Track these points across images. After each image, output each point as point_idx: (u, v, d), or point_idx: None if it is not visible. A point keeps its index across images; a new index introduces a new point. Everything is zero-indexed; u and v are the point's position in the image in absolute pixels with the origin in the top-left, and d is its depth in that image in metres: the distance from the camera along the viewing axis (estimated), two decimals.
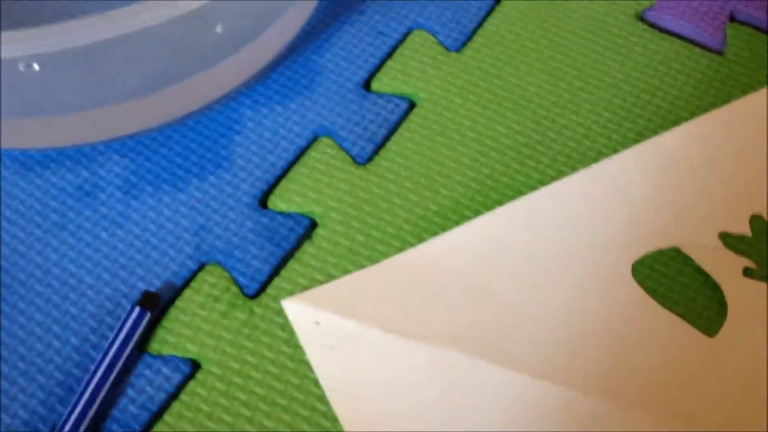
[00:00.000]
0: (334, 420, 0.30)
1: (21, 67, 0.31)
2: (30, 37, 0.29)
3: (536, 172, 0.35)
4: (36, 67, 0.31)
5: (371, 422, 0.30)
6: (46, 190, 0.35)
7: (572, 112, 0.37)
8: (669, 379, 0.30)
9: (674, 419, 0.29)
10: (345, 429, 0.30)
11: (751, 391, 0.29)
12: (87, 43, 0.30)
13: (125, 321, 0.31)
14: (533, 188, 0.35)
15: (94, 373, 0.30)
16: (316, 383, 0.31)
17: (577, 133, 0.36)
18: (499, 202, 0.34)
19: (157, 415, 0.30)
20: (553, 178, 0.35)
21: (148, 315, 0.31)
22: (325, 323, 0.31)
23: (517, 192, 0.35)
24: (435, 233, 0.34)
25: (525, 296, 0.32)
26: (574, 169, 0.35)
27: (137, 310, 0.31)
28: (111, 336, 0.31)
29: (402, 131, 0.36)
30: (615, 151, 0.36)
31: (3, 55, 0.29)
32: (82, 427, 0.29)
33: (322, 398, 0.30)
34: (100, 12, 0.29)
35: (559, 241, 0.33)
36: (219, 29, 0.33)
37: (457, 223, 0.34)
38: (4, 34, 0.29)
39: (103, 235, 0.34)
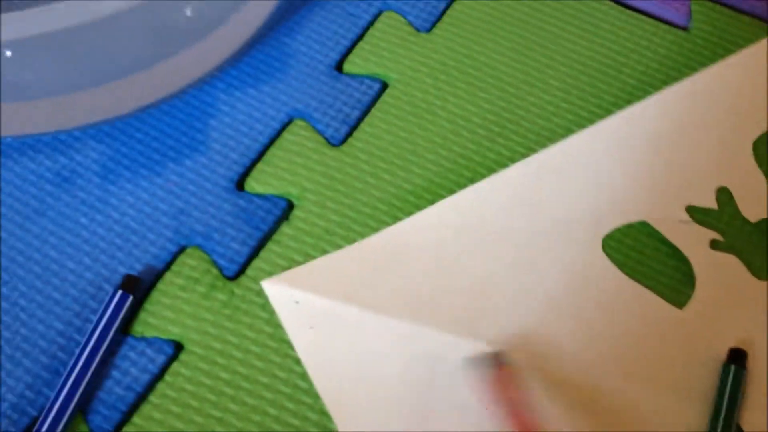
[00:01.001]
0: (316, 397, 0.31)
1: (8, 53, 0.31)
2: (2, 23, 0.29)
3: (507, 150, 0.36)
4: (8, 53, 0.31)
5: (352, 398, 0.31)
6: (24, 177, 0.35)
7: (540, 90, 0.38)
8: (638, 348, 0.31)
9: (641, 387, 0.30)
10: (327, 405, 0.31)
11: (718, 361, 0.31)
12: (59, 29, 0.30)
13: (108, 304, 0.32)
14: (504, 166, 0.36)
15: (79, 356, 0.31)
16: (298, 361, 0.31)
17: (546, 111, 0.37)
18: (472, 180, 0.35)
19: (142, 396, 0.31)
20: (524, 156, 0.36)
21: (130, 298, 0.32)
22: (304, 303, 0.32)
23: (489, 170, 0.36)
24: (409, 212, 0.35)
25: (498, 272, 0.33)
26: (543, 146, 0.36)
27: (119, 293, 0.32)
28: (94, 320, 0.32)
29: (375, 112, 0.37)
30: (583, 127, 0.36)
31: None
32: (69, 410, 0.30)
33: (304, 376, 0.31)
34: None
35: (530, 217, 0.34)
36: (188, 12, 0.34)
37: (430, 201, 0.35)
38: None
39: (83, 220, 0.34)
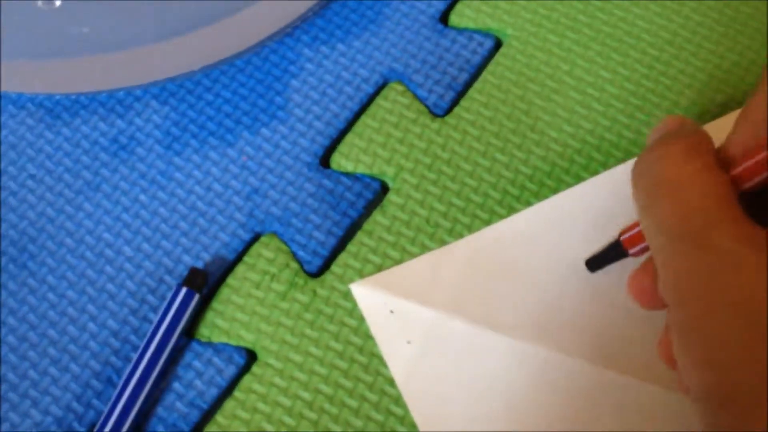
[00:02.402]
0: (412, 426, 0.26)
1: (39, 3, 0.26)
2: None
3: (647, 128, 0.30)
4: (57, 3, 0.26)
5: (454, 429, 0.26)
6: (76, 143, 0.30)
7: (690, 53, 0.31)
8: None
9: None
10: None
11: None
12: None
13: (170, 304, 0.27)
14: (644, 148, 0.29)
15: (137, 364, 0.26)
16: (392, 382, 0.26)
17: (696, 80, 0.31)
18: (604, 165, 0.29)
19: (208, 414, 0.27)
20: None
21: (197, 296, 0.27)
22: (401, 312, 0.27)
23: (626, 153, 0.29)
24: (528, 202, 0.29)
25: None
26: None
27: (184, 290, 0.27)
28: (155, 320, 0.27)
29: (486, 76, 0.31)
30: (742, 104, 0.30)
31: None
32: (125, 428, 0.26)
33: (399, 400, 0.26)
34: None
35: None
36: None
37: (554, 190, 0.29)
38: None
39: (143, 197, 0.29)
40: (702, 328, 0.20)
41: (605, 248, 0.26)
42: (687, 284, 0.20)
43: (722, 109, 0.30)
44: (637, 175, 0.22)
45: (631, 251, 0.25)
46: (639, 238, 0.24)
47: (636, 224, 0.24)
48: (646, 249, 0.24)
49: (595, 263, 0.27)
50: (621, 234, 0.25)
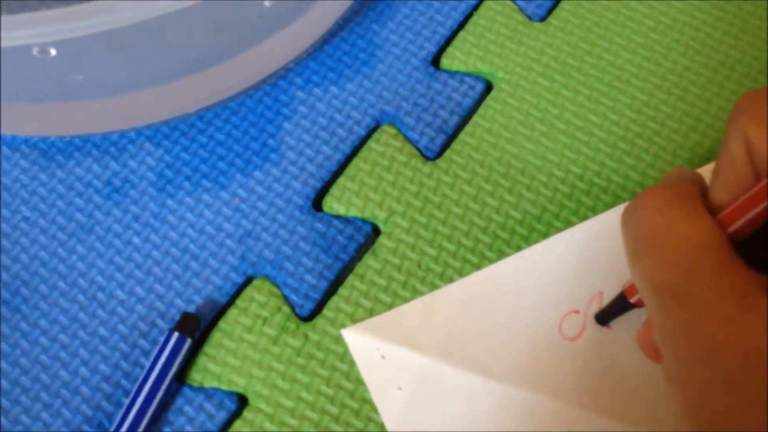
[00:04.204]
0: None
1: (35, 52, 0.26)
2: (41, 22, 0.24)
3: (635, 173, 0.30)
4: (53, 52, 0.26)
5: None
6: (70, 185, 0.30)
7: (678, 98, 0.31)
8: None
9: None
10: None
11: None
12: (110, 28, 0.25)
13: (162, 349, 0.27)
14: (632, 193, 0.30)
15: (128, 410, 0.26)
16: (382, 428, 0.26)
17: (684, 125, 0.31)
18: (593, 209, 0.30)
19: None
20: (656, 180, 0.30)
21: (188, 342, 0.27)
22: (392, 358, 0.27)
23: (614, 197, 0.30)
24: (518, 247, 0.29)
25: (621, 327, 0.27)
26: None
27: (175, 336, 0.27)
28: (146, 365, 0.27)
29: (477, 119, 0.31)
30: None
31: (8, 43, 0.25)
32: None
33: None
34: None
35: None
36: (267, 3, 0.28)
37: (544, 234, 0.29)
38: (13, 18, 0.24)
39: (136, 240, 0.30)
40: (685, 380, 0.20)
41: (612, 301, 0.26)
42: (670, 337, 0.20)
43: (710, 154, 0.30)
44: (622, 226, 0.22)
45: (632, 300, 0.25)
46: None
47: None
48: None
49: (603, 317, 0.27)
50: (625, 284, 0.25)
